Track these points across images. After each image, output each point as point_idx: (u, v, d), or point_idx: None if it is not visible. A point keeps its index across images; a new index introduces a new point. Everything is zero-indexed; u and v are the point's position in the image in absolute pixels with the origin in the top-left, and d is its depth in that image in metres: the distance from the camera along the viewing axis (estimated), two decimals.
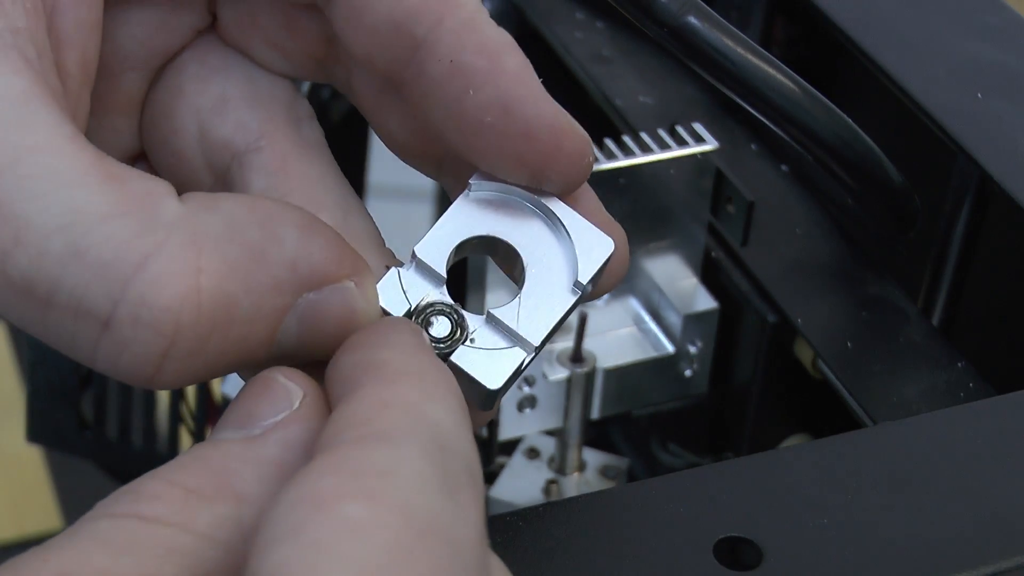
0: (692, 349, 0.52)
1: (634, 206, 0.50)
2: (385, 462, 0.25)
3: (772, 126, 0.45)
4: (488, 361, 0.31)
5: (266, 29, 0.33)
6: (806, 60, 0.56)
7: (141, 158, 0.34)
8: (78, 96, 0.30)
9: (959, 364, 0.49)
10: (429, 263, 0.31)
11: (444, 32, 0.30)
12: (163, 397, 0.59)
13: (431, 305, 0.31)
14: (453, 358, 0.31)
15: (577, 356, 0.50)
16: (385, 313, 0.31)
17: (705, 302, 0.52)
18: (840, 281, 0.52)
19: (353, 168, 0.64)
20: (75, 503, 0.88)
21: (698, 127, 0.50)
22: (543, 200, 0.32)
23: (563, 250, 0.32)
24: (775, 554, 0.35)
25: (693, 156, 0.50)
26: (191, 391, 0.59)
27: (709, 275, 0.52)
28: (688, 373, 0.52)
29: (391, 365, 0.28)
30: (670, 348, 0.52)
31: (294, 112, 0.33)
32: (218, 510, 0.27)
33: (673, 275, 0.52)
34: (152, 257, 0.27)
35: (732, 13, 0.58)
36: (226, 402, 0.58)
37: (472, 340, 0.31)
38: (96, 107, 0.33)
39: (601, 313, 0.52)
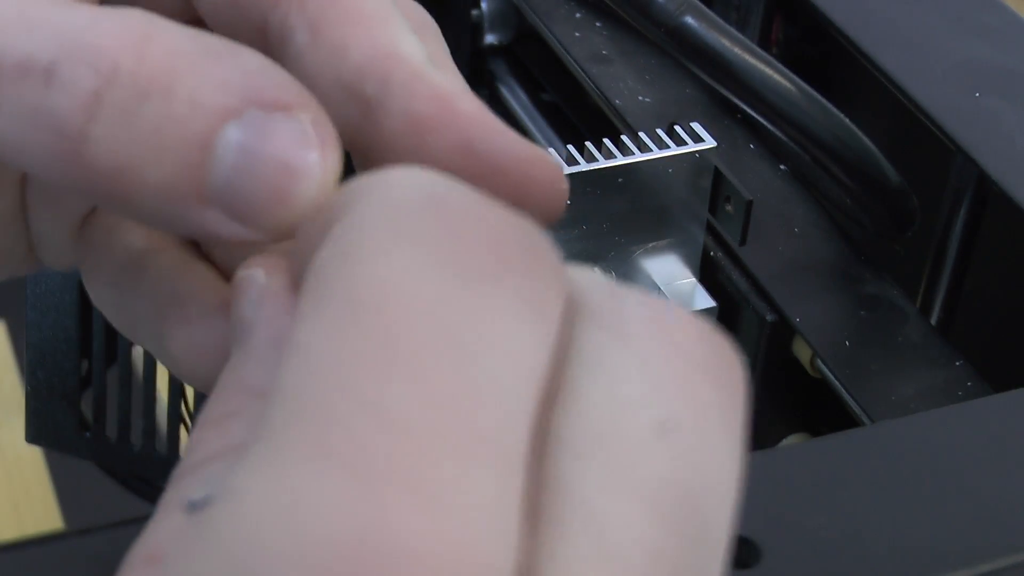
0: None
1: (632, 205, 0.50)
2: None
3: (769, 126, 0.45)
4: None
5: None
6: (805, 60, 0.57)
7: None
8: None
9: (957, 363, 0.49)
10: None
11: (393, 87, 0.30)
12: (163, 397, 0.59)
13: None
14: None
15: None
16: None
17: (703, 301, 0.52)
18: (838, 280, 0.52)
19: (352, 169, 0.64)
20: (75, 503, 0.88)
21: (696, 126, 0.50)
22: None
23: None
24: (773, 553, 0.35)
25: (691, 155, 0.50)
26: (191, 392, 0.59)
27: (707, 274, 0.52)
28: None
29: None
30: None
31: None
32: (249, 414, 0.27)
33: (671, 274, 0.52)
34: (105, 18, 0.28)
35: (731, 13, 0.59)
36: None
37: None
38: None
39: None
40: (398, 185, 0.25)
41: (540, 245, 0.25)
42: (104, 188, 0.28)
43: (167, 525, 0.25)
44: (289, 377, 0.23)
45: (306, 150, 0.28)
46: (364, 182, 0.26)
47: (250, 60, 0.29)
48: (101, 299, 0.34)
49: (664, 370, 0.24)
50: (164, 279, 0.33)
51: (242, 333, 0.28)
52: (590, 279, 0.26)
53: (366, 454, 0.21)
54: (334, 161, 0.28)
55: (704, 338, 0.25)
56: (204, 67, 0.28)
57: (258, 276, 0.29)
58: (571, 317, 0.25)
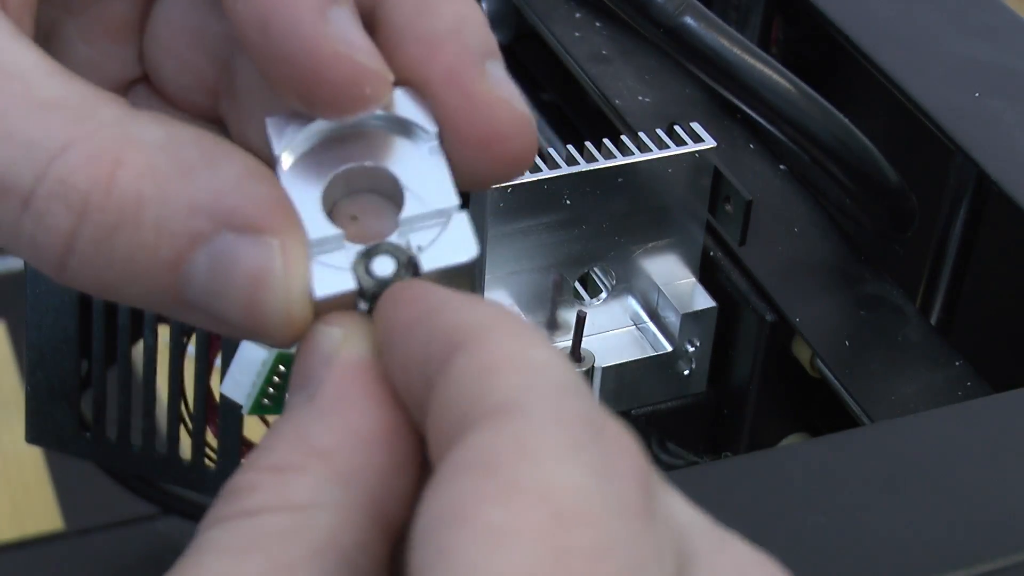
0: (690, 348, 0.52)
1: (632, 205, 0.50)
2: (518, 439, 0.24)
3: (768, 126, 0.45)
4: (447, 245, 0.30)
5: None
6: (804, 60, 0.57)
7: (139, 82, 0.34)
8: (19, 17, 0.30)
9: (957, 363, 0.49)
10: (320, 235, 0.30)
11: None
12: (163, 397, 0.59)
13: (360, 258, 0.30)
14: (425, 270, 0.30)
15: (576, 355, 0.50)
16: (325, 301, 0.29)
17: (703, 301, 0.52)
18: (838, 280, 0.52)
19: None
20: (75, 503, 0.88)
21: (696, 126, 0.50)
22: None
23: (393, 126, 0.31)
24: (773, 553, 0.35)
25: (691, 155, 0.50)
26: (191, 392, 0.59)
27: (707, 274, 0.52)
28: (686, 372, 0.52)
29: (469, 326, 0.26)
30: (668, 347, 0.52)
31: None
32: (312, 475, 0.26)
33: (671, 274, 0.52)
34: (78, 142, 0.28)
35: (730, 13, 0.59)
36: (226, 402, 0.58)
37: (419, 248, 0.30)
38: (89, 34, 0.33)
39: (599, 312, 0.52)
40: (560, 384, 0.25)
41: (656, 479, 0.26)
42: (90, 293, 0.29)
43: None
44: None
45: (273, 270, 0.29)
46: (515, 357, 0.25)
47: (227, 173, 0.29)
48: None
49: None
50: None
51: (307, 387, 0.28)
52: (691, 518, 0.27)
53: None
54: (302, 278, 0.29)
55: None
56: (175, 190, 0.28)
57: (335, 335, 0.29)
58: (683, 563, 0.25)
